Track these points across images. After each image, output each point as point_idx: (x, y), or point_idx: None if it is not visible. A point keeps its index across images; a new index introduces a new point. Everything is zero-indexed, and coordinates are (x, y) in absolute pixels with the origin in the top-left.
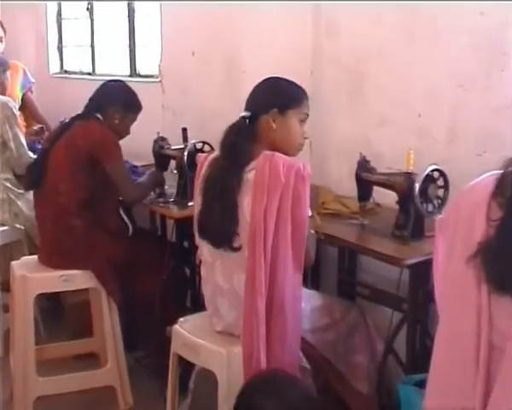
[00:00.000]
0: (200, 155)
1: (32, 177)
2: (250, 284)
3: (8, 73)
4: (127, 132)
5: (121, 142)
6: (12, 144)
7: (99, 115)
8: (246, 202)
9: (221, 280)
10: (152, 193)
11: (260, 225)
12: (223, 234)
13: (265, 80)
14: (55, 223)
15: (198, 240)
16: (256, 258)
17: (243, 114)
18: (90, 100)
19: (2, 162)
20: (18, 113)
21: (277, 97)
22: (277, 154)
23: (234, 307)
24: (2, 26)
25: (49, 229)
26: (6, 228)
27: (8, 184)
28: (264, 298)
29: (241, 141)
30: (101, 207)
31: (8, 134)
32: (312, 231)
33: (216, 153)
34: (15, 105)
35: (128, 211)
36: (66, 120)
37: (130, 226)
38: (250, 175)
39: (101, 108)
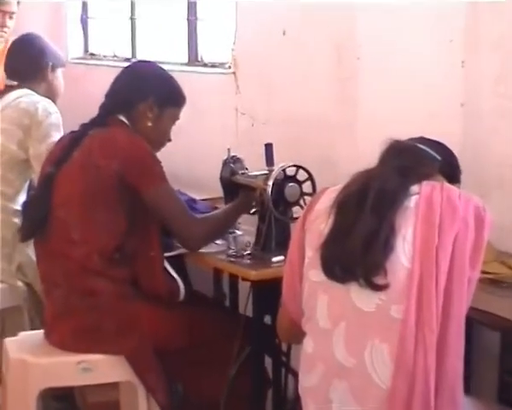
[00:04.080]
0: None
1: (30, 219)
2: (404, 359)
3: (60, 72)
4: (166, 138)
5: (169, 163)
6: (36, 164)
7: (123, 117)
8: (409, 233)
9: (342, 354)
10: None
11: (431, 272)
12: (363, 263)
13: None
14: (69, 286)
15: (309, 295)
16: (423, 319)
17: None
18: (108, 96)
19: (18, 188)
20: (55, 121)
21: None
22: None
23: (358, 394)
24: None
25: (60, 295)
26: (3, 286)
27: (18, 221)
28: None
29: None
30: (137, 259)
31: (33, 150)
32: None
33: (338, 185)
34: (55, 111)
35: (179, 265)
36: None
37: (181, 288)
38: (411, 201)
39: (126, 106)
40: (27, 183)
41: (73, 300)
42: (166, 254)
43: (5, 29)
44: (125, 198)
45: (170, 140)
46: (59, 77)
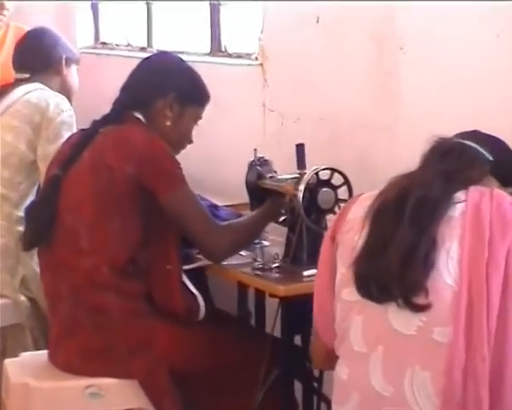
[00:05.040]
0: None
1: (33, 226)
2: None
3: (75, 70)
4: (187, 140)
5: (188, 165)
6: (42, 166)
7: (139, 115)
8: (454, 247)
9: (380, 381)
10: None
11: (481, 292)
12: (401, 281)
13: None
14: (75, 301)
15: (342, 316)
16: (473, 345)
17: None
18: (123, 90)
19: (24, 192)
20: (67, 120)
21: None
22: (497, 190)
23: None
24: None
25: (66, 310)
26: (3, 302)
27: (22, 229)
28: None
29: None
30: (152, 272)
31: (41, 150)
32: None
33: (373, 192)
34: (69, 108)
35: (199, 279)
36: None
37: (201, 305)
38: (456, 210)
39: (143, 102)
40: (35, 187)
41: (80, 316)
42: (185, 267)
43: (4, 11)
44: (141, 204)
45: (191, 142)
46: (73, 74)
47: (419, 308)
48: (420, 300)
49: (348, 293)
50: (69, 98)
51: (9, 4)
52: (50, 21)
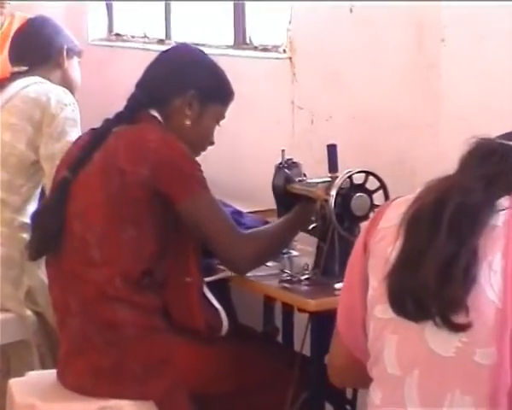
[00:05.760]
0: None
1: (40, 234)
2: None
3: (77, 63)
4: (208, 141)
5: (210, 168)
6: (47, 167)
7: (155, 113)
8: (497, 260)
9: (416, 407)
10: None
11: None
12: (439, 298)
13: None
14: (85, 316)
15: (375, 335)
16: None
17: None
18: (139, 86)
19: (26, 195)
20: (71, 115)
21: None
22: None
23: None
24: None
25: (76, 326)
26: (7, 317)
27: (27, 236)
28: None
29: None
30: (169, 284)
31: (44, 149)
32: None
33: (408, 196)
34: (72, 101)
35: (221, 292)
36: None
37: (224, 321)
38: (499, 218)
39: (160, 99)
40: (38, 190)
41: (91, 332)
42: (206, 279)
43: (5, 3)
44: (156, 211)
45: (212, 143)
46: (75, 67)
47: (459, 328)
48: (459, 318)
49: (381, 310)
50: (72, 92)
51: None
52: (60, 10)
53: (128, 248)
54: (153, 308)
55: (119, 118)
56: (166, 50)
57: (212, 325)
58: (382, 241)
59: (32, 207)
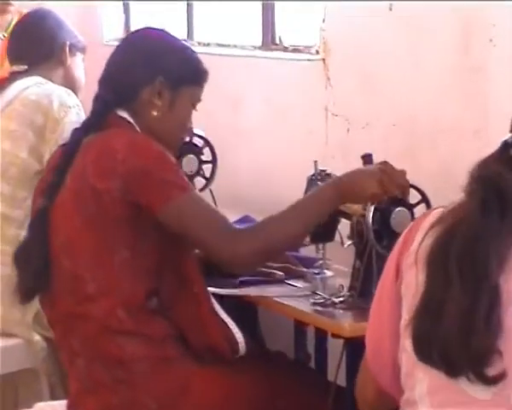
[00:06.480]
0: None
1: (27, 273)
2: None
3: (81, 60)
4: (184, 128)
5: (234, 180)
6: None
7: (123, 113)
8: None
9: None
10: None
11: None
12: (466, 351)
13: None
14: (89, 355)
15: (407, 371)
16: None
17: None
18: (102, 83)
19: (29, 209)
20: (75, 118)
21: None
22: None
23: None
24: None
25: (82, 367)
26: (14, 342)
27: None
28: None
29: None
30: (176, 302)
31: (47, 155)
32: None
33: (441, 209)
34: (76, 103)
35: (247, 314)
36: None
37: (239, 338)
38: None
39: (126, 94)
40: None
41: (98, 372)
42: (214, 291)
43: (10, 2)
44: (144, 225)
45: (190, 131)
46: (79, 65)
47: (495, 380)
48: (493, 370)
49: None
50: (75, 93)
51: None
52: (74, 9)
53: (123, 272)
54: (163, 336)
55: (87, 126)
56: (125, 38)
57: (227, 345)
58: (414, 266)
59: None
